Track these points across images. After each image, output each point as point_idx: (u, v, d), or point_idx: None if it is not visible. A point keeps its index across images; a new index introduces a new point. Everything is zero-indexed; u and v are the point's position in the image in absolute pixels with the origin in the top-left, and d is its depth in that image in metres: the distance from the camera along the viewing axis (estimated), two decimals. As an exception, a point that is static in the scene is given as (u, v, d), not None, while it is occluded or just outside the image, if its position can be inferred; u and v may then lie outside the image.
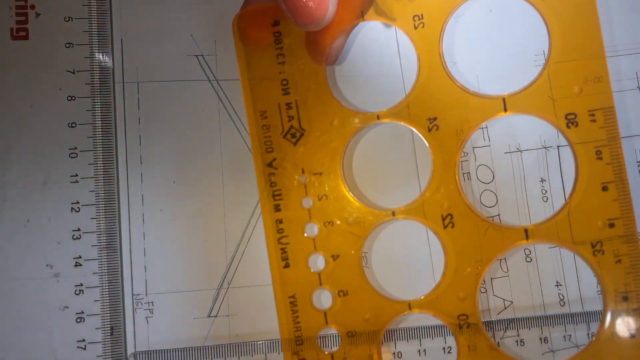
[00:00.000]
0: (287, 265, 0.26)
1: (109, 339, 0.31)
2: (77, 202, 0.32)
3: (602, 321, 0.25)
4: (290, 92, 0.26)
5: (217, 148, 0.33)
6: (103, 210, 0.32)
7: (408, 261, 0.27)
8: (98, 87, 0.32)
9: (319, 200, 0.26)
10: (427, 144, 0.26)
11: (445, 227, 0.25)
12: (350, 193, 0.26)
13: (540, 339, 0.34)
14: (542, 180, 0.35)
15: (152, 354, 0.31)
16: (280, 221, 0.26)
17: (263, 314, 0.32)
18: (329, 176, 0.26)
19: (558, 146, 0.35)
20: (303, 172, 0.26)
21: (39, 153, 0.32)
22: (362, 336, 0.26)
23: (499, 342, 0.33)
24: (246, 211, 0.33)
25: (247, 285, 0.32)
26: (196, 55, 0.33)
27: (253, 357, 0.32)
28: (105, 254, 0.32)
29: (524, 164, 0.35)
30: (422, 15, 0.25)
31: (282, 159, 0.26)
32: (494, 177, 0.34)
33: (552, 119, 0.25)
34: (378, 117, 0.26)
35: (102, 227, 0.32)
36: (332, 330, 0.27)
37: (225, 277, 0.32)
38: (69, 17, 0.33)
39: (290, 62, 0.26)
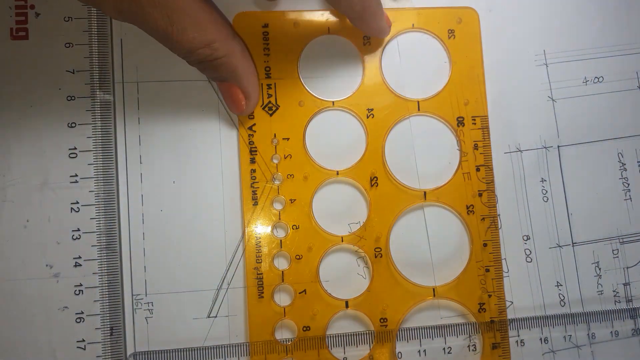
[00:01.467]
0: (255, 204, 0.33)
1: (109, 339, 0.31)
2: (77, 202, 0.32)
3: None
4: (271, 76, 0.34)
5: (217, 148, 0.33)
6: (102, 211, 0.32)
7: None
8: (98, 87, 0.32)
9: (285, 158, 0.33)
10: (365, 127, 0.34)
11: (371, 186, 0.33)
12: (309, 154, 0.33)
13: (541, 339, 0.34)
14: (542, 180, 0.35)
15: (151, 355, 0.31)
16: (254, 170, 0.33)
17: (263, 314, 0.32)
18: (294, 141, 0.33)
19: (558, 146, 0.35)
20: (275, 136, 0.33)
21: (39, 153, 0.32)
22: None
23: (499, 343, 0.33)
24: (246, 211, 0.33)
25: (247, 285, 0.32)
26: (196, 55, 0.33)
27: (252, 357, 0.32)
28: (104, 254, 0.32)
29: (525, 163, 0.35)
30: (369, 37, 0.35)
31: (260, 125, 0.33)
32: (494, 177, 0.34)
33: (448, 119, 0.34)
34: (333, 104, 0.34)
35: (101, 227, 0.32)
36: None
37: (225, 277, 0.32)
38: (68, 17, 0.33)
39: (273, 53, 0.34)
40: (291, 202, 0.33)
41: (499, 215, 0.34)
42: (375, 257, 0.33)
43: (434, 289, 0.33)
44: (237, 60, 0.30)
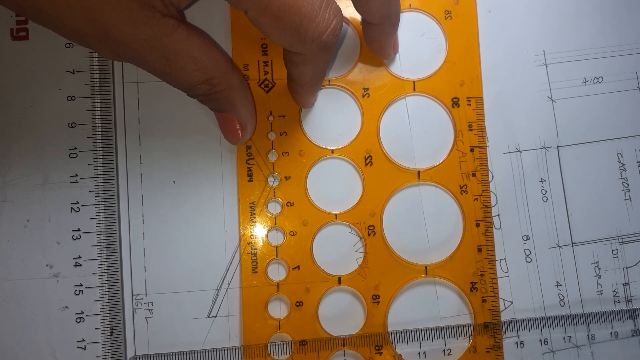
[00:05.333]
0: (250, 180, 0.33)
1: (109, 339, 0.31)
2: (77, 202, 0.32)
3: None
4: (268, 53, 0.34)
5: (217, 148, 0.33)
6: (103, 210, 0.32)
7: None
8: (98, 87, 0.32)
9: (280, 135, 0.33)
10: (361, 106, 0.34)
11: (366, 165, 0.34)
12: (304, 131, 0.34)
13: (540, 340, 0.34)
14: (542, 181, 0.35)
15: (151, 358, 0.31)
16: (250, 147, 0.33)
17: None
18: (289, 119, 0.34)
19: (558, 146, 0.35)
20: (271, 113, 0.33)
21: (39, 153, 0.32)
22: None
23: (499, 345, 0.33)
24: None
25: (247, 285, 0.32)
26: (196, 56, 0.33)
27: None
28: (105, 254, 0.32)
29: (524, 164, 0.35)
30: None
31: (256, 102, 0.33)
32: (493, 177, 0.34)
33: (443, 99, 0.35)
34: (329, 82, 0.34)
35: (101, 227, 0.32)
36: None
37: (225, 277, 0.32)
38: (69, 18, 0.33)
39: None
40: (286, 179, 0.33)
41: (498, 215, 0.34)
42: (369, 234, 0.33)
43: (425, 267, 0.33)
44: (236, 93, 0.30)
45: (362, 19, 0.31)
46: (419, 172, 0.34)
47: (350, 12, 0.34)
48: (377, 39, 0.32)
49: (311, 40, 0.26)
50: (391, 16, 0.30)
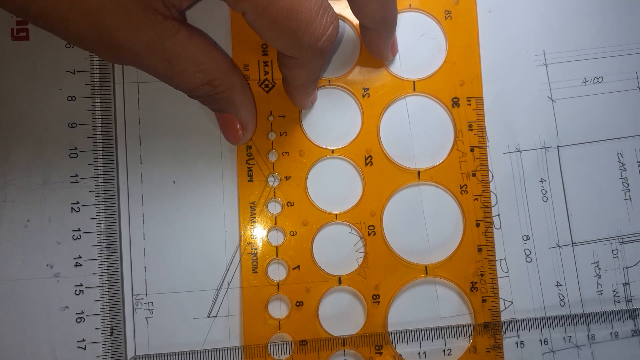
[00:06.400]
0: (250, 180, 0.33)
1: (109, 339, 0.31)
2: (77, 202, 0.32)
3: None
4: (268, 53, 0.34)
5: (217, 148, 0.33)
6: (103, 210, 0.32)
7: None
8: (98, 87, 0.32)
9: (280, 135, 0.33)
10: (361, 106, 0.34)
11: (366, 165, 0.34)
12: (304, 131, 0.34)
13: (541, 340, 0.34)
14: (542, 181, 0.35)
15: (151, 358, 0.31)
16: (250, 147, 0.33)
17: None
18: (290, 119, 0.34)
19: (558, 146, 0.35)
20: (271, 113, 0.33)
21: (39, 153, 0.32)
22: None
23: (499, 345, 0.33)
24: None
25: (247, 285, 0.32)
26: (196, 56, 0.33)
27: None
28: (105, 254, 0.32)
29: (524, 164, 0.35)
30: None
31: (256, 102, 0.33)
32: (493, 177, 0.35)
33: (443, 99, 0.35)
34: (329, 82, 0.34)
35: (102, 227, 0.32)
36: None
37: (225, 277, 0.32)
38: (69, 18, 0.33)
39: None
40: (286, 179, 0.33)
41: (498, 215, 0.34)
42: (369, 234, 0.33)
43: (426, 267, 0.33)
44: (237, 93, 0.30)
45: (359, 23, 0.31)
46: (419, 172, 0.34)
47: (350, 12, 0.34)
48: (374, 43, 0.32)
49: (307, 45, 0.26)
50: (387, 21, 0.31)
